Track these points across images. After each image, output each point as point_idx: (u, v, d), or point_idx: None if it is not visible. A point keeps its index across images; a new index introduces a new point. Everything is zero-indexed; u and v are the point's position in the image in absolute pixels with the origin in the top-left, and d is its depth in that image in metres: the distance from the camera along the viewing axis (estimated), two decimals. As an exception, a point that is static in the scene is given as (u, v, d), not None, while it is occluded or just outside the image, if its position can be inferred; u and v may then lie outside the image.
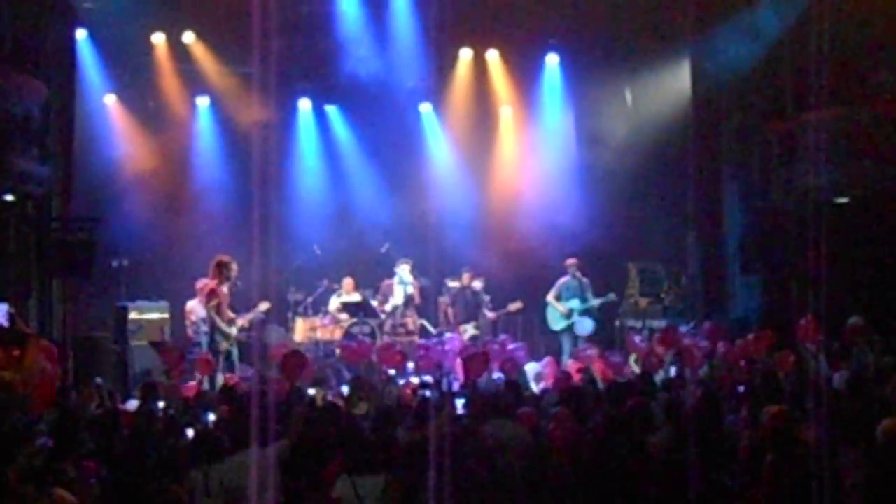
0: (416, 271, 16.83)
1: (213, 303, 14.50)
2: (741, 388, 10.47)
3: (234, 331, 14.57)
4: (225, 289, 14.64)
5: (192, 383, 12.71)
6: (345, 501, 6.80)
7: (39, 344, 5.65)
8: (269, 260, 17.73)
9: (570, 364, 13.82)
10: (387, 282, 16.97)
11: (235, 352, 14.75)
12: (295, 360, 11.54)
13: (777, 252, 16.09)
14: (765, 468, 6.68)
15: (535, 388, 12.23)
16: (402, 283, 16.72)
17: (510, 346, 14.64)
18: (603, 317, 16.98)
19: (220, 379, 13.29)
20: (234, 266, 14.68)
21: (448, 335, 15.82)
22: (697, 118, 17.71)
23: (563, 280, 16.63)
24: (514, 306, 16.66)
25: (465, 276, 16.74)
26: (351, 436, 7.92)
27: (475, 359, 12.50)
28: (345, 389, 10.88)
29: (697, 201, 17.87)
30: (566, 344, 16.32)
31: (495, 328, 16.87)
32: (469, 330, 16.50)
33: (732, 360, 12.50)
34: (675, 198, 17.78)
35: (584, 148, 18.83)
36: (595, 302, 16.51)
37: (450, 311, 16.71)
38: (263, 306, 15.02)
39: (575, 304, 16.44)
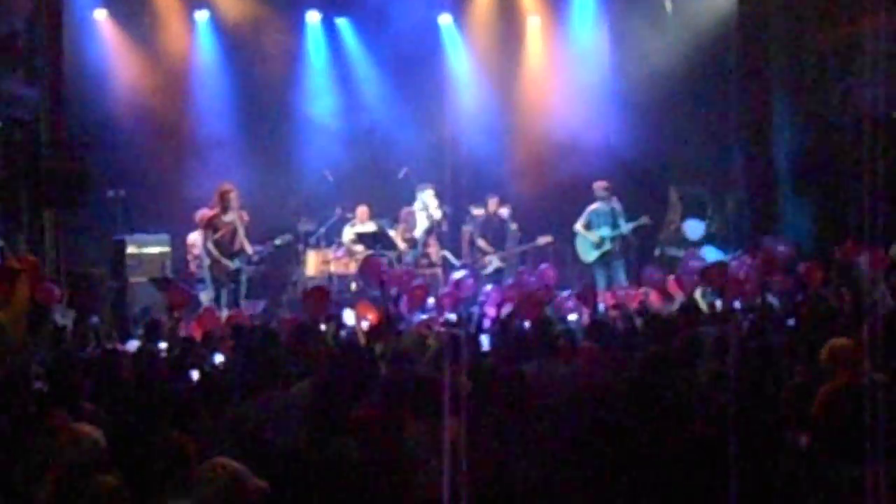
0: (438, 198, 16.74)
1: (215, 234, 14.57)
2: (790, 322, 10.43)
3: (234, 264, 14.64)
4: (227, 217, 14.67)
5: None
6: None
7: (29, 272, 5.69)
8: (277, 187, 17.82)
9: (605, 298, 13.77)
10: (406, 209, 16.87)
11: (243, 287, 14.85)
12: (317, 295, 11.63)
13: (832, 172, 15.98)
14: (819, 400, 6.67)
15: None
16: (426, 208, 16.59)
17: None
18: (639, 243, 16.89)
19: (223, 315, 13.35)
20: (233, 194, 14.69)
21: (460, 274, 15.54)
22: (744, 27, 17.48)
23: (592, 206, 16.40)
24: (544, 240, 16.47)
25: (492, 203, 16.62)
26: (374, 375, 7.97)
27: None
28: (364, 325, 10.92)
29: (744, 118, 17.71)
30: (600, 277, 16.19)
31: (523, 260, 16.81)
32: (494, 262, 16.45)
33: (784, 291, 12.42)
34: (719, 115, 17.62)
35: (620, 61, 18.60)
36: (626, 227, 16.29)
37: (479, 240, 16.58)
38: (280, 240, 15.11)
39: (605, 231, 16.25)
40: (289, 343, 9.66)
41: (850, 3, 15.65)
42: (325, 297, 11.83)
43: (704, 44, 17.72)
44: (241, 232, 14.80)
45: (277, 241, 15.31)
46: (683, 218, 17.19)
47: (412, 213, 16.77)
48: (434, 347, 9.74)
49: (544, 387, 7.99)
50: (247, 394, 7.74)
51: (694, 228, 16.52)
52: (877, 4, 13.66)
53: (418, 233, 16.55)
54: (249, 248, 14.85)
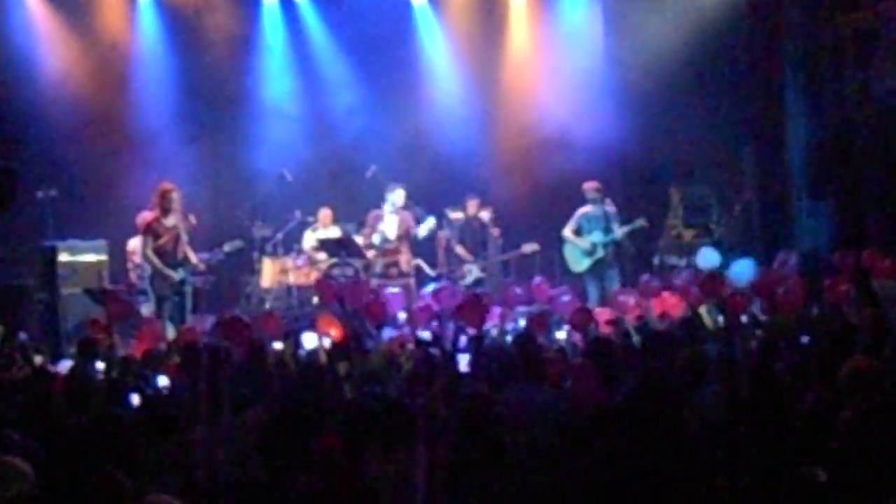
0: (411, 200, 16.65)
1: (156, 241, 14.50)
2: (805, 339, 10.46)
3: (178, 274, 14.54)
4: (169, 221, 14.59)
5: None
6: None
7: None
8: (228, 187, 17.78)
9: (598, 313, 13.73)
10: (374, 212, 16.78)
11: (188, 301, 14.77)
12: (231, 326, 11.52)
13: (851, 172, 16.04)
14: (838, 428, 6.68)
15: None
16: (396, 211, 16.45)
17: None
18: (635, 250, 16.87)
19: (170, 333, 13.27)
20: (175, 195, 14.60)
21: (434, 285, 15.47)
22: (754, 9, 17.55)
23: (582, 210, 16.27)
24: (529, 248, 16.44)
25: (472, 205, 16.54)
26: (338, 400, 7.95)
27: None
28: (326, 342, 10.89)
29: (753, 111, 17.76)
30: (592, 288, 16.11)
31: (506, 270, 16.79)
32: (474, 271, 16.41)
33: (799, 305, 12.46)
34: (726, 107, 17.66)
35: (615, 46, 18.65)
36: (620, 232, 16.19)
37: (456, 247, 16.52)
38: (229, 246, 15.05)
39: (597, 236, 16.14)
40: (242, 364, 9.62)
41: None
42: (240, 327, 11.64)
43: (709, 27, 17.76)
44: (184, 238, 14.72)
45: (226, 248, 15.24)
46: (685, 222, 17.18)
47: (379, 217, 16.65)
48: (406, 368, 9.73)
49: (528, 412, 7.97)
50: (193, 421, 7.70)
51: (709, 257, 16.22)
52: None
53: (391, 236, 16.32)
54: (194, 257, 14.75)
